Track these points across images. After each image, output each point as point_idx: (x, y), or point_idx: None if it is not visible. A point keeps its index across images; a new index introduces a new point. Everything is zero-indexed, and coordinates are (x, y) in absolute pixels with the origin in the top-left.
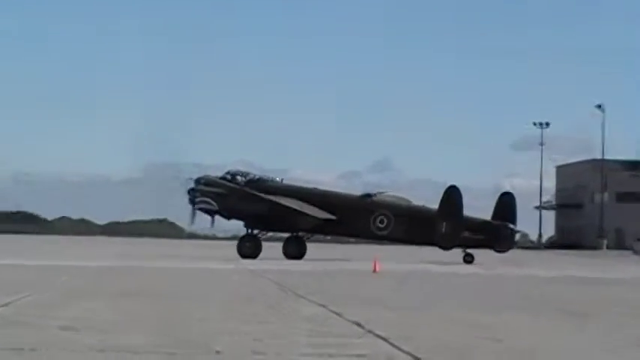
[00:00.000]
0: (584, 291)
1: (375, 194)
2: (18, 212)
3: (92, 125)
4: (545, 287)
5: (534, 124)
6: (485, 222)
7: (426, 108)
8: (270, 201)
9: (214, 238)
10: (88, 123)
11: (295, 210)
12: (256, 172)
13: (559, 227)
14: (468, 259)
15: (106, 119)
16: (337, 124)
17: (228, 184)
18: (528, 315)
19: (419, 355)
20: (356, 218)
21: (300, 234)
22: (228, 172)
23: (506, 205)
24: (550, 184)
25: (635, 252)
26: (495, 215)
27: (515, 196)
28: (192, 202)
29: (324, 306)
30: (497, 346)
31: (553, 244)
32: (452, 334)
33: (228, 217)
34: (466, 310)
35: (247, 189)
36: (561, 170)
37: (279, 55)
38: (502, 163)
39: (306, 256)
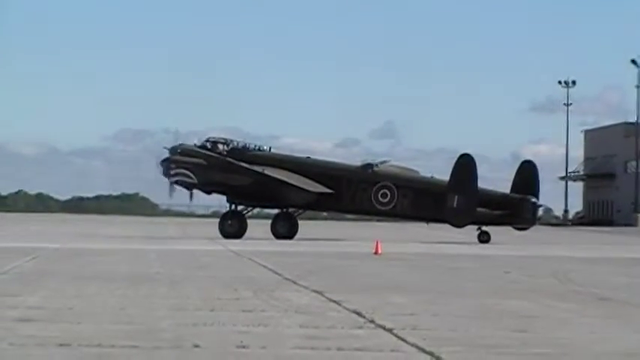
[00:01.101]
0: (618, 274)
1: (376, 164)
2: None
3: (51, 87)
4: (574, 269)
5: (559, 82)
6: (503, 195)
7: (434, 66)
8: (257, 172)
9: (193, 215)
10: (46, 84)
11: (285, 183)
12: (241, 139)
13: (587, 201)
14: (484, 238)
15: (67, 80)
16: (335, 86)
17: (208, 153)
18: (554, 301)
19: (426, 348)
20: (355, 192)
21: (291, 210)
22: (208, 140)
23: (527, 175)
24: (577, 151)
25: None
26: (515, 187)
27: (538, 165)
28: (167, 174)
29: (319, 292)
30: (518, 337)
31: (581, 220)
32: (464, 323)
33: (209, 192)
34: (482, 296)
35: (230, 159)
36: (590, 135)
37: (271, 8)
38: (522, 128)
39: (297, 236)
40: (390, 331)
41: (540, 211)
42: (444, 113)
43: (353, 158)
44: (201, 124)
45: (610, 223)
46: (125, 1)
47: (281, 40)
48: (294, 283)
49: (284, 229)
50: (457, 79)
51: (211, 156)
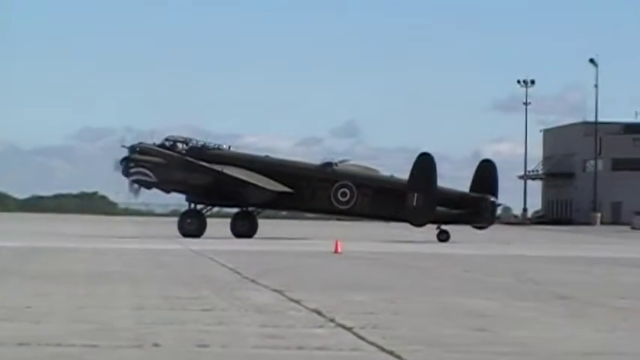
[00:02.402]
0: (577, 273)
1: (336, 163)
2: None
3: (6, 83)
4: (533, 268)
5: (518, 82)
6: (462, 194)
7: (396, 65)
8: (216, 171)
9: (152, 214)
10: (7, 82)
11: (244, 182)
12: (202, 138)
13: (546, 200)
14: (443, 237)
15: (25, 76)
16: (296, 84)
17: (168, 152)
18: (513, 300)
19: (386, 347)
20: (314, 191)
21: (251, 209)
22: (167, 139)
23: (486, 174)
24: (538, 150)
25: (634, 227)
26: (474, 186)
27: (498, 164)
28: (127, 173)
29: (279, 292)
30: (479, 336)
31: (540, 219)
32: (424, 322)
33: (168, 191)
34: (442, 295)
35: (189, 158)
36: (549, 134)
37: (231, 6)
38: (483, 127)
39: (257, 235)
40: (350, 330)
41: (499, 210)
42: (405, 112)
43: (314, 157)
44: (161, 123)
45: (569, 222)
46: (84, 0)
47: (242, 38)
48: (254, 282)
49: (243, 228)
50: (418, 78)
51: (170, 155)
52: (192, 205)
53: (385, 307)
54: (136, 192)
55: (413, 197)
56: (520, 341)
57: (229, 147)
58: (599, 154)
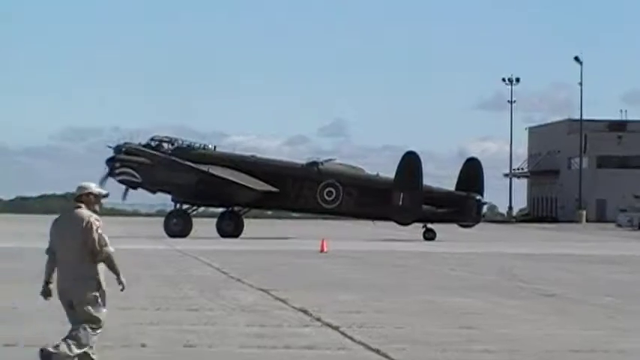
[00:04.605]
0: (562, 270)
1: (321, 162)
2: None
3: None
4: (519, 266)
5: (503, 80)
6: (448, 193)
7: (382, 64)
8: (201, 171)
9: (137, 214)
10: None
11: (230, 181)
12: (188, 138)
13: (532, 198)
14: (429, 236)
15: (9, 76)
16: (283, 83)
17: (153, 152)
18: (499, 298)
19: (372, 345)
20: (300, 190)
21: (236, 209)
22: (152, 139)
23: (471, 172)
24: (522, 148)
25: (619, 225)
26: (460, 185)
27: (483, 162)
28: (112, 173)
29: (265, 291)
30: (465, 334)
31: (525, 217)
32: (410, 320)
33: (154, 191)
34: (428, 293)
35: (175, 158)
36: (534, 132)
37: (218, 6)
38: (470, 126)
39: (243, 234)
40: (336, 329)
41: (485, 209)
42: (391, 110)
43: (300, 156)
44: (147, 123)
45: (554, 219)
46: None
47: (228, 37)
48: (240, 281)
49: (229, 228)
50: (404, 77)
51: (156, 155)
52: (178, 205)
53: (371, 306)
54: (125, 195)
55: (399, 196)
56: (506, 339)
57: (215, 147)
58: (584, 151)
